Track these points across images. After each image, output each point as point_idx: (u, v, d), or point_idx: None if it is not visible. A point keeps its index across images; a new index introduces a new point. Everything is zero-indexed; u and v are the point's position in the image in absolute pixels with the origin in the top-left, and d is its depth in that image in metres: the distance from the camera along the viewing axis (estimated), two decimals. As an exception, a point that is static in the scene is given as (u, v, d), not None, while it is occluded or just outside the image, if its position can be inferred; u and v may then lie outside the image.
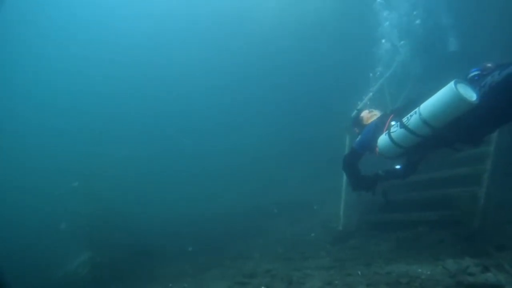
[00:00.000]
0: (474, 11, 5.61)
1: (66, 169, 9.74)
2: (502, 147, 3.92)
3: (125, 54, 12.73)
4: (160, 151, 11.75)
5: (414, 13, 6.58)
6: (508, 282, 2.33)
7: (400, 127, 2.43)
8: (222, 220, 7.37)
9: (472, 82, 2.29)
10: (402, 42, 6.73)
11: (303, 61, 9.83)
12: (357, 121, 3.29)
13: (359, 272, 3.33)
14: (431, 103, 2.25)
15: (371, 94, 5.14)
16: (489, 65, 2.35)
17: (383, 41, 6.78)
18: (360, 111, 3.35)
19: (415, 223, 4.03)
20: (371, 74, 6.15)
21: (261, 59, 10.74)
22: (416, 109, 2.34)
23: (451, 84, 2.12)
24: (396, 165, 2.91)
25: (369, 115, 3.22)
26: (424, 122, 2.26)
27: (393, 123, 2.57)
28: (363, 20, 7.78)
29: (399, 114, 2.60)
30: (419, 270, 3.01)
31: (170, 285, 4.42)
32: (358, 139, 3.07)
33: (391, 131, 2.53)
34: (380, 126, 2.78)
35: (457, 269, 2.77)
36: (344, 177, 4.66)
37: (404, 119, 2.42)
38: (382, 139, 2.63)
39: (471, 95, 2.12)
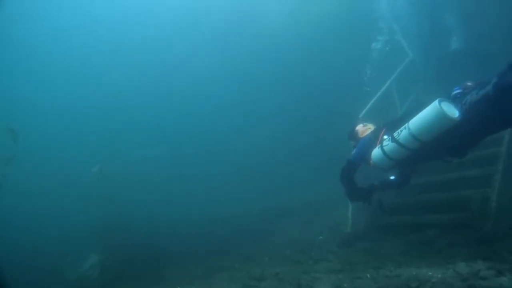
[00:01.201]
0: (477, 8, 5.50)
1: (79, 171, 9.91)
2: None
3: (136, 57, 12.93)
4: (171, 154, 11.88)
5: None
6: (524, 286, 2.28)
7: (392, 141, 2.67)
8: (231, 222, 7.38)
9: (455, 100, 2.51)
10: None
11: (312, 63, 9.82)
12: (353, 135, 3.50)
13: (368, 275, 3.30)
14: (419, 119, 2.48)
15: (376, 96, 5.12)
16: (469, 84, 2.59)
17: None
18: (355, 125, 3.55)
19: (425, 225, 3.96)
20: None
21: (269, 62, 10.76)
22: (406, 125, 2.56)
23: (435, 103, 2.36)
24: (391, 176, 3.10)
25: (364, 129, 3.45)
26: (413, 136, 2.49)
27: (385, 137, 2.79)
28: (370, 22, 7.74)
29: (390, 128, 2.81)
30: (430, 273, 2.95)
31: (178, 287, 4.46)
32: (354, 152, 3.29)
33: (383, 144, 2.76)
34: (373, 139, 3.03)
35: (468, 272, 2.72)
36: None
37: (395, 134, 2.65)
38: (376, 152, 2.86)
39: (454, 113, 2.36)
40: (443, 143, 2.49)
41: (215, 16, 11.77)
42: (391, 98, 5.42)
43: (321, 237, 5.28)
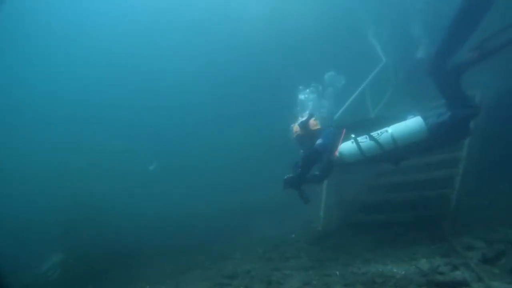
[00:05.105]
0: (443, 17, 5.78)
1: (42, 164, 9.36)
2: (473, 153, 4.12)
3: (108, 51, 12.49)
4: (143, 148, 11.55)
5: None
6: (473, 279, 2.47)
7: (370, 139, 3.26)
8: (205, 219, 7.29)
9: None
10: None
11: (287, 63, 9.91)
12: (305, 125, 3.86)
13: (337, 272, 3.39)
14: (402, 127, 3.18)
15: (351, 99, 5.27)
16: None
17: None
18: (310, 117, 3.92)
19: (393, 223, 4.13)
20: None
21: (248, 57, 10.74)
22: (386, 128, 3.24)
23: (419, 117, 3.15)
24: (316, 172, 3.72)
25: (315, 122, 3.86)
26: (393, 139, 3.18)
27: (353, 135, 3.40)
28: (347, 25, 7.95)
29: (351, 129, 3.46)
30: (394, 270, 3.09)
31: (148, 287, 4.34)
32: (320, 142, 3.56)
33: (360, 141, 3.32)
34: (337, 135, 3.53)
35: (428, 268, 2.88)
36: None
37: (374, 134, 3.26)
38: (349, 147, 3.38)
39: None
40: (402, 151, 3.22)
41: (194, 12, 11.57)
42: (365, 101, 5.60)
43: (293, 235, 5.36)
